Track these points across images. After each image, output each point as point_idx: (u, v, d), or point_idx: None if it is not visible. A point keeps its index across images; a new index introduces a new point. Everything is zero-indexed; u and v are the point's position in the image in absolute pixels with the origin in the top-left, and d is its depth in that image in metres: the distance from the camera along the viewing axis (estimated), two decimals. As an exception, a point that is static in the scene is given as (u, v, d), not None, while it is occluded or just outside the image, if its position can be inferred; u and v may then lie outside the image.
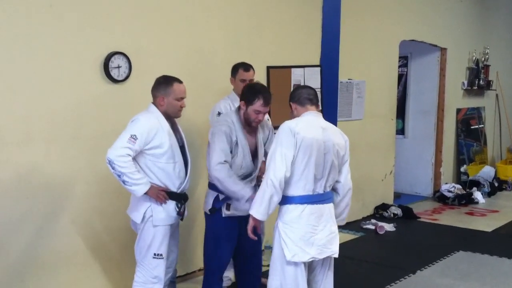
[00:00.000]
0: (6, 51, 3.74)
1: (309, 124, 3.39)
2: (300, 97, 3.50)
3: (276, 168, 3.25)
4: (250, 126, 3.86)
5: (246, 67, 4.58)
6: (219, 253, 3.94)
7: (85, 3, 4.12)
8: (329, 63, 6.42)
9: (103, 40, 4.23)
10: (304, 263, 3.37)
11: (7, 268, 3.85)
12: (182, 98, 3.74)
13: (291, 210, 3.34)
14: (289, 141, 3.27)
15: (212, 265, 3.99)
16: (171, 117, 3.75)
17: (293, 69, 6.01)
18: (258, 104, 3.75)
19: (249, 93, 3.80)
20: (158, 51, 4.62)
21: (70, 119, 4.09)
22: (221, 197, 3.84)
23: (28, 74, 3.86)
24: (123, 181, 3.50)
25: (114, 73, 4.28)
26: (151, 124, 3.59)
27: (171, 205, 3.70)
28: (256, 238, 3.47)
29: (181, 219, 3.85)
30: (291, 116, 3.55)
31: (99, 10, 4.20)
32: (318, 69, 6.27)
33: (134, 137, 3.49)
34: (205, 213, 4.00)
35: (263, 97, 3.76)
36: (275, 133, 3.52)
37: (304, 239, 3.31)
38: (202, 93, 4.98)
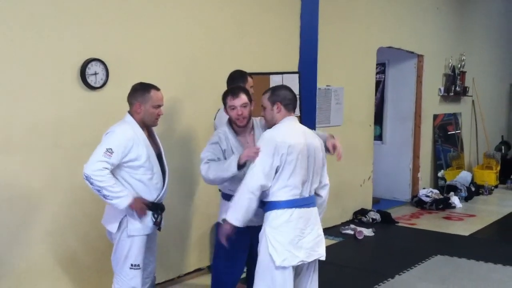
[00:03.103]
0: (-19, 58, 3.70)
1: (291, 130, 3.43)
2: (286, 101, 3.50)
3: (254, 176, 3.29)
4: (239, 127, 3.74)
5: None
6: (231, 264, 3.84)
7: (63, 9, 4.09)
8: (307, 69, 6.46)
9: (80, 47, 4.21)
10: (292, 266, 3.37)
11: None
12: (160, 106, 3.66)
13: (279, 215, 3.34)
14: (270, 150, 3.29)
15: (225, 278, 3.87)
16: (147, 126, 3.69)
17: (271, 76, 6.02)
18: (228, 101, 3.70)
19: (222, 96, 3.80)
20: (136, 58, 4.61)
21: (48, 126, 4.06)
22: None
23: (5, 81, 3.82)
24: (104, 196, 3.43)
25: (91, 80, 4.26)
26: (127, 136, 3.50)
27: (148, 215, 3.63)
28: (226, 245, 3.44)
29: (159, 229, 3.80)
30: (265, 114, 3.54)
31: (77, 17, 4.19)
32: (297, 75, 6.31)
33: (110, 150, 3.41)
34: (218, 223, 3.88)
35: (229, 92, 3.74)
36: None
37: (293, 243, 3.32)
38: (182, 100, 4.97)
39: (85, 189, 4.19)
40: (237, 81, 4.44)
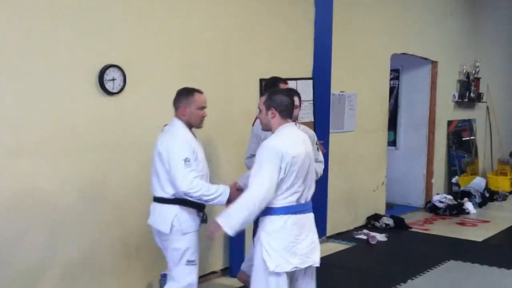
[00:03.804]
0: (0, 63, 3.80)
1: (292, 139, 3.42)
2: (281, 107, 3.47)
3: (260, 188, 3.27)
4: None
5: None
6: None
7: (81, 16, 4.20)
8: (321, 75, 6.52)
9: (98, 53, 4.31)
10: (287, 273, 3.40)
11: None
12: (203, 108, 3.84)
13: (274, 220, 3.37)
14: (275, 162, 3.28)
15: None
16: (192, 127, 3.86)
17: (286, 82, 6.09)
18: None
19: None
20: (152, 64, 4.71)
21: (64, 131, 4.15)
22: None
23: (23, 86, 3.92)
24: (205, 201, 3.64)
25: (109, 85, 4.35)
26: (185, 137, 3.71)
27: (194, 212, 3.77)
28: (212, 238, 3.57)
29: (205, 222, 3.87)
30: (260, 117, 3.55)
31: (95, 24, 4.29)
32: (311, 81, 6.35)
33: (187, 159, 3.60)
34: None
35: None
36: None
37: (287, 249, 3.35)
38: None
39: (99, 192, 4.34)
40: (269, 88, 4.49)
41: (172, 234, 3.70)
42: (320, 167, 4.41)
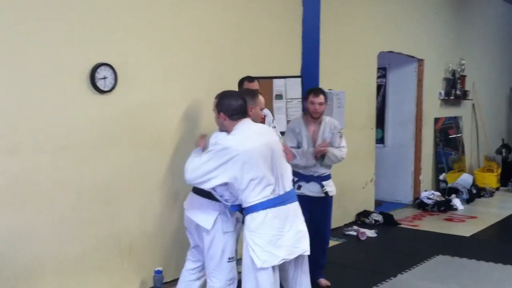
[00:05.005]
0: (-6, 62, 3.82)
1: (245, 135, 3.47)
2: (229, 111, 3.54)
3: (188, 169, 3.50)
4: (313, 118, 4.91)
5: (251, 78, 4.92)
6: None
7: (72, 15, 4.23)
8: (309, 73, 6.58)
9: (89, 52, 4.34)
10: (276, 266, 3.44)
11: (-4, 276, 3.90)
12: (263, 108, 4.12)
13: (254, 217, 3.41)
14: (218, 158, 3.38)
15: None
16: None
17: (274, 80, 6.15)
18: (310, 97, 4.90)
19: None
20: (143, 63, 4.74)
21: (58, 128, 4.18)
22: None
23: (17, 84, 3.95)
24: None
25: (100, 84, 4.38)
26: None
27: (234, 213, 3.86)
28: None
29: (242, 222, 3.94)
30: (215, 119, 3.66)
31: (86, 23, 4.32)
32: (299, 79, 6.42)
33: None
34: None
35: (311, 91, 4.95)
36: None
37: (271, 243, 3.38)
38: (188, 104, 5.09)
39: (95, 189, 4.37)
40: (239, 86, 4.85)
41: (213, 231, 3.78)
42: (340, 152, 4.99)
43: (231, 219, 3.84)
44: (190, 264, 4.10)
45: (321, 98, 4.82)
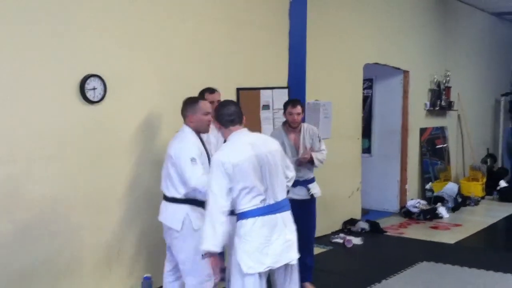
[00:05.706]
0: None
1: (236, 147, 3.54)
2: (222, 119, 3.63)
3: (214, 200, 3.43)
4: (292, 127, 5.23)
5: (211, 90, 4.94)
6: None
7: (62, 26, 4.34)
8: (296, 84, 6.71)
9: (79, 63, 4.45)
10: (264, 272, 3.51)
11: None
12: (208, 113, 4.13)
13: (244, 224, 3.49)
14: (219, 172, 3.43)
15: None
16: (199, 134, 4.15)
17: (262, 91, 6.28)
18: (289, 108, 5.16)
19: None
20: (132, 74, 4.85)
21: (50, 138, 4.28)
22: None
23: (8, 95, 4.05)
24: None
25: (90, 94, 4.49)
26: (192, 140, 4.04)
27: (203, 211, 3.86)
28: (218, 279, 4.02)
29: None
30: (219, 129, 3.76)
31: (76, 35, 4.43)
32: (286, 90, 6.55)
33: (193, 159, 3.91)
34: None
35: (290, 102, 5.30)
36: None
37: (258, 250, 3.45)
38: (178, 114, 5.17)
39: (87, 198, 4.45)
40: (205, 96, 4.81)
41: (183, 231, 3.97)
42: (322, 155, 5.26)
43: (202, 217, 3.79)
44: (167, 266, 4.29)
45: (298, 109, 5.13)
